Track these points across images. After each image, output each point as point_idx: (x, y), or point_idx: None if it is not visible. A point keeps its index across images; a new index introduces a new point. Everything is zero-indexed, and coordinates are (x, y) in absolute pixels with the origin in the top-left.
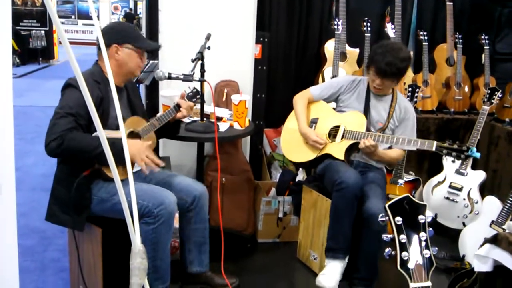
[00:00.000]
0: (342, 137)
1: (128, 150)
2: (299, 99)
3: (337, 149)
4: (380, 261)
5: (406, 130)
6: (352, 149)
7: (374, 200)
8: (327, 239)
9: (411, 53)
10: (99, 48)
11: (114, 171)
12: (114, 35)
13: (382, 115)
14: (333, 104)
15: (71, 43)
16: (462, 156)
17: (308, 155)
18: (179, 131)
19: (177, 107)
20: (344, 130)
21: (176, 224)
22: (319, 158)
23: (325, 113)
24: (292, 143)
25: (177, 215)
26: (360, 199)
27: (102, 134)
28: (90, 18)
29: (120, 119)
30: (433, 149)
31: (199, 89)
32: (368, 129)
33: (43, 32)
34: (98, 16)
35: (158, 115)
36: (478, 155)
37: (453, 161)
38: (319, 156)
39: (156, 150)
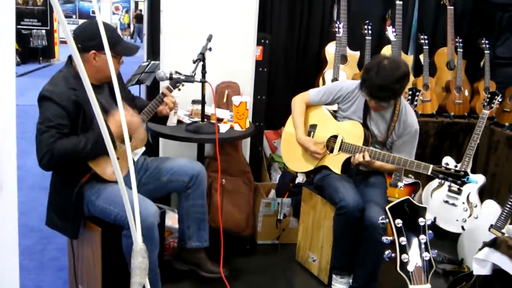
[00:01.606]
0: (339, 149)
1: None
2: (298, 103)
3: (334, 162)
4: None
5: (404, 144)
6: (349, 161)
7: (375, 208)
8: (332, 257)
9: (412, 58)
10: (79, 51)
11: (117, 171)
12: (93, 40)
13: (381, 130)
14: (335, 107)
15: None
16: (458, 182)
17: (306, 166)
18: (165, 123)
19: (162, 96)
20: (342, 141)
21: (175, 224)
22: (316, 168)
23: (324, 120)
24: (291, 150)
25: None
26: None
27: (104, 127)
28: (91, 18)
29: (123, 119)
30: (429, 173)
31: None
32: (367, 140)
33: (44, 31)
34: None
35: (145, 109)
36: (475, 182)
37: (454, 166)
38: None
39: (156, 151)
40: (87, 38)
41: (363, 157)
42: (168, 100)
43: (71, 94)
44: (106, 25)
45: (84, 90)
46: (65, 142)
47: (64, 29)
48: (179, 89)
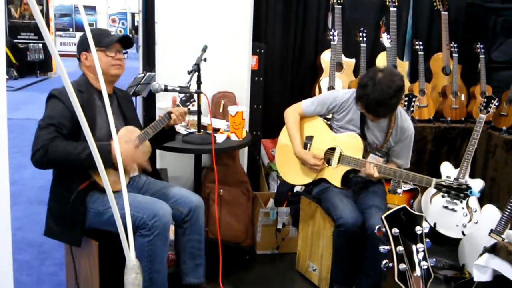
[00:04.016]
0: (338, 162)
1: (119, 155)
2: (291, 114)
3: (333, 175)
4: None
5: (402, 150)
6: (350, 171)
7: (378, 216)
8: (332, 270)
9: (407, 64)
10: (78, 59)
11: (105, 183)
12: (81, 44)
13: (378, 138)
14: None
15: (68, 55)
16: (461, 195)
17: (304, 179)
18: (174, 137)
19: (169, 114)
20: (341, 154)
21: (172, 236)
22: (315, 180)
23: (320, 132)
24: (287, 163)
25: (172, 227)
26: (363, 214)
27: (91, 138)
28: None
29: (112, 123)
30: (432, 186)
31: (195, 96)
32: (365, 150)
33: (40, 45)
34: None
35: (152, 123)
36: (477, 194)
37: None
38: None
39: (153, 162)
40: (77, 46)
41: (374, 171)
42: (177, 111)
43: (77, 95)
44: (94, 30)
45: (90, 94)
46: (62, 143)
47: (46, 38)
48: (189, 109)
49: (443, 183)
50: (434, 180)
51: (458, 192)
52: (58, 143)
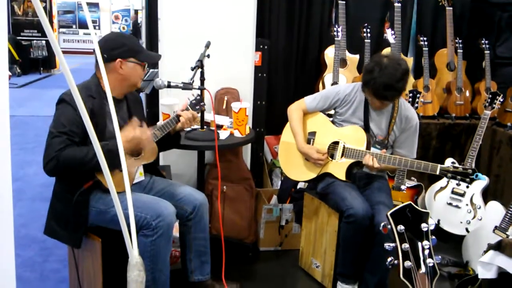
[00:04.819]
0: (342, 155)
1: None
2: (294, 111)
3: (338, 168)
4: None
5: (407, 140)
6: (353, 166)
7: (385, 214)
8: (338, 264)
9: (411, 60)
10: (97, 61)
11: (110, 184)
12: (118, 49)
13: (382, 128)
14: (330, 112)
15: (72, 52)
16: (467, 179)
17: (308, 174)
18: (178, 144)
19: (178, 117)
20: (344, 147)
21: (176, 233)
22: (319, 176)
23: (323, 127)
24: (291, 159)
25: (177, 223)
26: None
27: (97, 144)
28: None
29: (117, 127)
30: (437, 173)
31: (205, 100)
32: (368, 142)
33: (44, 42)
34: (99, 26)
35: (159, 124)
36: (484, 178)
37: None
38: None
39: (156, 158)
40: (111, 48)
41: (373, 162)
42: (186, 115)
43: (88, 101)
44: (128, 36)
45: (101, 100)
46: (73, 150)
47: (50, 36)
48: (198, 113)
49: (449, 169)
50: (439, 166)
51: (464, 176)
52: (68, 152)
